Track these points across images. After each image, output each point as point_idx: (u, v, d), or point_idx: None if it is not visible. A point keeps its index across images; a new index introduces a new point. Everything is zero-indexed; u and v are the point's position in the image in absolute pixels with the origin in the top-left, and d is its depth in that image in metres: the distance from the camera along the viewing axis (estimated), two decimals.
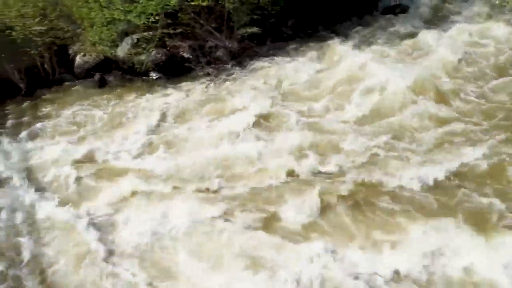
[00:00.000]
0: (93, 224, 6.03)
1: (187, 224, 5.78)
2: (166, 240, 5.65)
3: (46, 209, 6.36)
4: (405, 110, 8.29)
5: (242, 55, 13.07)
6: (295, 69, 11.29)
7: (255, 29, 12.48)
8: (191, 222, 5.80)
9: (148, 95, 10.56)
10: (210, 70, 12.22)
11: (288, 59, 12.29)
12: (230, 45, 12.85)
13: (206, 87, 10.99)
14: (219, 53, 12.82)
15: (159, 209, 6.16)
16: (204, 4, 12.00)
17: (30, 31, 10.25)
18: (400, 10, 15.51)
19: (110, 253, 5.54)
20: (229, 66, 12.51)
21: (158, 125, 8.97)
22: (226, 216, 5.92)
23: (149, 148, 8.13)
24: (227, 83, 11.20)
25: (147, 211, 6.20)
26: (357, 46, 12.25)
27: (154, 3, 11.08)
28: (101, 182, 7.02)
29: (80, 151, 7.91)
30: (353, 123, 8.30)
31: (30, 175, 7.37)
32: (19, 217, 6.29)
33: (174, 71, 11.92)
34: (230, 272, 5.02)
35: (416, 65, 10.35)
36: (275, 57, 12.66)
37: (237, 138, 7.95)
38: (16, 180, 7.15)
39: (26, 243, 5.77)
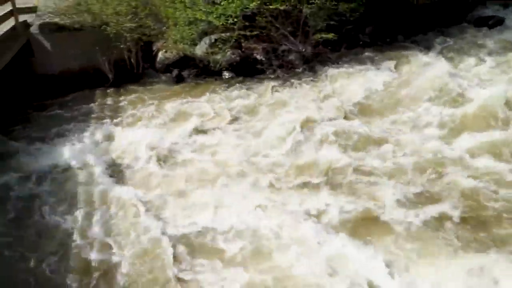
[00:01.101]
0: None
1: None
2: None
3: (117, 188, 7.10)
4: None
5: (315, 60, 12.95)
6: (369, 78, 10.87)
7: (330, 35, 12.29)
8: None
9: (220, 93, 10.94)
10: (281, 73, 12.32)
11: (362, 67, 11.91)
12: (303, 50, 12.81)
13: (276, 90, 11.08)
14: (292, 57, 12.86)
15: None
16: (282, 8, 12.16)
17: (122, 27, 11.21)
18: (494, 22, 14.12)
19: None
20: (300, 70, 12.50)
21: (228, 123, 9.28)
22: None
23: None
24: (297, 87, 11.18)
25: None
26: (440, 59, 11.43)
27: (234, 5, 11.50)
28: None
29: (151, 138, 8.53)
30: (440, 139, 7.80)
31: (110, 156, 8.12)
32: (96, 190, 7.03)
33: (247, 72, 12.20)
34: None
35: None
36: (349, 64, 12.34)
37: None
38: (98, 159, 7.93)
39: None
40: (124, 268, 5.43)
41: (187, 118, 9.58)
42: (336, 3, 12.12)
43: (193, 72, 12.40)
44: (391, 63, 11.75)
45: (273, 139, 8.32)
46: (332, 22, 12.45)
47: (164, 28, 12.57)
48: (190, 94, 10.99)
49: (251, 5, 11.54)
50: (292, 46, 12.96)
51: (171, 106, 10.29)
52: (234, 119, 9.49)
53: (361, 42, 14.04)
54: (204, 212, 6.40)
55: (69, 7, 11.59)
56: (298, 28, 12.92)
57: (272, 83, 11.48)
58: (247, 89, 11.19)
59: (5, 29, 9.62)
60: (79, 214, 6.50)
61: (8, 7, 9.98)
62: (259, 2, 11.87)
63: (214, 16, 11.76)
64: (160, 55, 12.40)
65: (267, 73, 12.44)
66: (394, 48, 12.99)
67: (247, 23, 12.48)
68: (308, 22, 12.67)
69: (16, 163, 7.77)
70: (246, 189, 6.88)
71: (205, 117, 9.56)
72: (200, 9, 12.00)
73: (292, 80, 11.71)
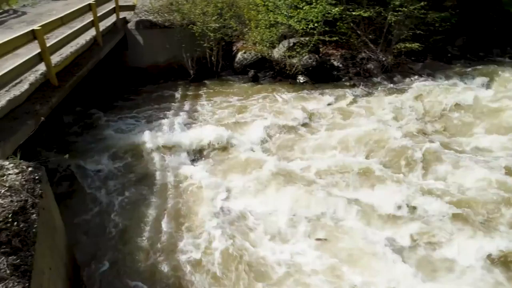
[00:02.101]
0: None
1: None
2: None
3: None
4: None
5: (395, 71, 12.43)
6: (456, 93, 10.12)
7: (415, 45, 11.67)
8: None
9: (294, 96, 11.00)
10: (357, 81, 12.03)
11: (449, 81, 11.15)
12: (384, 59, 12.36)
13: (352, 98, 10.81)
14: (370, 65, 12.48)
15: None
16: (366, 15, 11.88)
17: (207, 27, 11.84)
18: None
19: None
20: (378, 79, 12.08)
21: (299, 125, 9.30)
22: None
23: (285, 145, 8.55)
24: (373, 97, 10.82)
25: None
26: None
27: (316, 10, 11.49)
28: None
29: (221, 131, 8.85)
30: None
31: (183, 142, 8.55)
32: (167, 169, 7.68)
33: (322, 77, 12.10)
34: None
35: None
36: (434, 78, 11.63)
37: None
38: (172, 143, 8.49)
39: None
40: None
41: (260, 117, 9.81)
42: (425, 11, 11.48)
43: (268, 74, 12.65)
44: (484, 80, 10.81)
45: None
46: (418, 32, 11.83)
47: (246, 29, 13.00)
48: (263, 93, 11.22)
49: (333, 10, 11.45)
50: (372, 54, 12.58)
51: (245, 103, 10.62)
52: (305, 124, 9.45)
53: (449, 55, 13.16)
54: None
55: (163, 6, 12.56)
56: (380, 36, 12.51)
57: (348, 91, 11.24)
58: (321, 94, 11.09)
59: (107, 24, 10.74)
60: (154, 189, 7.10)
61: (112, 5, 11.10)
62: (342, 8, 11.74)
63: (295, 20, 11.88)
64: (239, 55, 12.83)
65: (343, 80, 12.23)
66: (488, 63, 11.94)
67: (327, 28, 12.40)
68: (392, 31, 12.20)
69: (104, 139, 8.71)
70: None
71: (276, 117, 9.68)
72: (282, 13, 12.21)
73: (369, 89, 11.36)
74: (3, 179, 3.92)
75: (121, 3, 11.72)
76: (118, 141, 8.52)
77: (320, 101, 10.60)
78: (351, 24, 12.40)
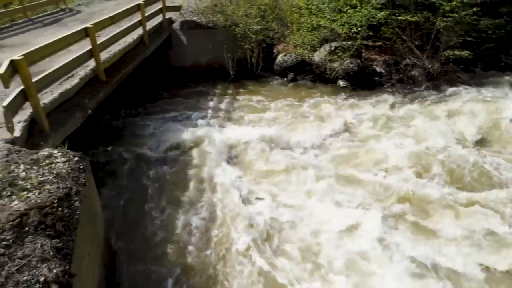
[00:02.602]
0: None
1: None
2: None
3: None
4: None
5: (442, 79, 11.89)
6: (508, 106, 9.50)
7: (465, 53, 11.10)
8: None
9: (332, 101, 10.84)
10: (400, 88, 11.64)
11: (501, 92, 10.50)
12: (430, 66, 11.86)
13: (393, 105, 10.48)
14: (415, 72, 12.02)
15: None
16: (413, 20, 11.47)
17: (249, 28, 11.97)
18: None
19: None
20: (422, 88, 11.60)
21: (337, 132, 9.14)
22: None
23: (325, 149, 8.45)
24: (416, 105, 10.39)
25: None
26: None
27: (361, 14, 11.26)
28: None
29: (260, 130, 8.99)
30: None
31: (220, 139, 8.72)
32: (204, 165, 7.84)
33: (363, 83, 11.83)
34: None
35: None
36: (484, 88, 11.00)
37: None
38: (210, 140, 8.67)
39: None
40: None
41: (298, 120, 9.77)
42: (477, 18, 10.89)
43: (308, 77, 12.54)
44: None
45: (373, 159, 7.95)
46: (468, 39, 11.24)
47: (287, 32, 12.99)
48: (302, 97, 11.15)
49: (379, 15, 11.16)
50: (417, 60, 12.12)
51: (283, 105, 10.62)
52: (345, 129, 9.27)
53: (502, 64, 12.39)
54: None
55: (207, 7, 12.85)
56: (427, 42, 12.02)
57: (389, 98, 10.90)
58: (361, 100, 10.84)
59: (154, 24, 11.14)
60: (191, 184, 7.30)
61: (160, 5, 11.51)
62: (388, 12, 11.42)
63: (338, 24, 11.71)
64: (279, 57, 12.84)
65: (385, 86, 11.88)
66: None
67: (371, 33, 12.12)
68: (440, 37, 11.69)
69: (145, 134, 9.04)
70: None
71: (314, 121, 9.58)
72: (325, 16, 12.08)
73: (412, 97, 10.94)
74: (51, 167, 4.17)
75: (168, 3, 12.11)
76: (159, 136, 8.84)
77: (360, 107, 10.36)
78: (397, 29, 12.02)
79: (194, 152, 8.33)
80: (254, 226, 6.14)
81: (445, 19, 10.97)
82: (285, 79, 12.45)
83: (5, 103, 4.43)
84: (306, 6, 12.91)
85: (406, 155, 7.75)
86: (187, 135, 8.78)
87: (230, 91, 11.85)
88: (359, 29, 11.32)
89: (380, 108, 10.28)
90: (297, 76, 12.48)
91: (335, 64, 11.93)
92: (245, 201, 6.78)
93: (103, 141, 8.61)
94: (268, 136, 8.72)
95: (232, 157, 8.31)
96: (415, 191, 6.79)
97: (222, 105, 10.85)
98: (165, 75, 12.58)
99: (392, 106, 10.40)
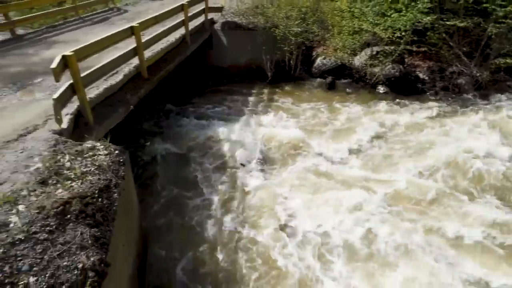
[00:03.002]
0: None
1: None
2: None
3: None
4: None
5: (491, 88, 11.24)
6: None
7: None
8: None
9: (371, 106, 10.56)
10: (444, 96, 11.13)
11: None
12: (478, 74, 11.25)
13: (436, 113, 10.03)
14: (461, 80, 11.44)
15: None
16: (462, 25, 10.93)
17: (289, 30, 11.92)
18: None
19: None
20: (469, 96, 11.03)
21: (371, 139, 8.89)
22: None
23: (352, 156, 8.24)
24: (462, 116, 9.87)
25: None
26: None
27: (405, 18, 10.88)
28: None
29: (294, 134, 8.89)
30: None
31: (253, 140, 8.80)
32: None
33: (404, 89, 11.42)
34: None
35: None
36: None
37: None
38: (242, 140, 8.80)
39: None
40: None
41: (334, 124, 9.62)
42: None
43: (346, 81, 12.32)
44: None
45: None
46: None
47: (327, 35, 12.82)
48: (340, 101, 10.95)
49: (425, 19, 10.73)
50: (464, 68, 11.53)
51: (320, 109, 10.49)
52: (380, 136, 9.01)
53: None
54: None
55: (248, 9, 12.95)
56: (476, 49, 11.41)
57: (433, 105, 10.45)
58: (402, 106, 10.48)
59: (196, 24, 11.39)
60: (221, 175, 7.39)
61: (202, 6, 11.75)
62: (435, 17, 10.95)
63: (381, 28, 11.39)
64: (318, 60, 12.69)
65: (428, 94, 11.41)
66: None
67: (415, 38, 11.69)
68: (491, 44, 11.06)
69: (182, 131, 9.28)
70: None
71: (352, 127, 9.39)
72: (368, 20, 11.80)
73: (457, 106, 10.42)
74: (94, 159, 4.36)
75: (210, 4, 12.33)
76: (195, 133, 9.07)
77: (401, 114, 10.01)
78: (444, 35, 11.50)
79: (226, 150, 8.43)
80: (284, 229, 6.11)
81: (497, 25, 10.38)
82: (323, 82, 12.28)
83: (55, 96, 4.69)
84: (349, 9, 12.68)
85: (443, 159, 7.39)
86: (221, 133, 8.95)
87: (267, 92, 11.87)
88: (403, 33, 10.94)
89: (422, 115, 9.88)
90: (335, 80, 12.27)
91: (376, 69, 11.62)
92: (274, 202, 6.76)
93: (142, 136, 8.93)
94: (302, 140, 8.66)
95: (263, 159, 8.29)
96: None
97: (258, 106, 10.89)
98: (203, 74, 12.83)
99: (436, 114, 9.95)
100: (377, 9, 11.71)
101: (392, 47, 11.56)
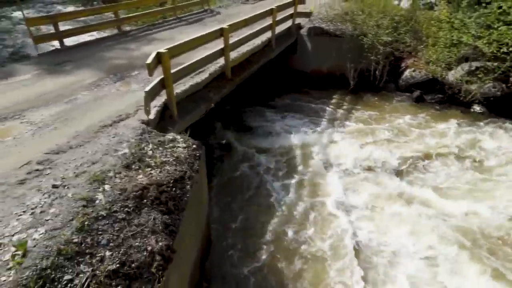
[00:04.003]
0: None
1: None
2: None
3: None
4: None
5: None
6: None
7: None
8: None
9: (464, 127, 9.63)
10: None
11: None
12: None
13: None
14: None
15: None
16: None
17: (378, 39, 11.42)
18: None
19: None
20: None
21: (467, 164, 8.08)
22: None
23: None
24: None
25: None
26: None
27: None
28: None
29: (375, 152, 8.49)
30: None
31: (328, 151, 8.61)
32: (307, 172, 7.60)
33: (506, 111, 10.18)
34: None
35: None
36: None
37: None
38: (318, 151, 8.60)
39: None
40: None
41: (421, 143, 8.99)
42: None
43: (437, 97, 11.38)
44: None
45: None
46: None
47: (420, 46, 12.00)
48: (428, 119, 10.19)
49: None
50: None
51: (404, 125, 9.88)
52: (476, 162, 8.14)
53: None
54: None
55: (337, 15, 12.70)
56: None
57: None
58: (502, 130, 9.36)
59: (283, 28, 11.52)
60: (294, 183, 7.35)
61: (291, 11, 11.84)
62: None
63: (484, 41, 10.31)
64: (407, 72, 11.94)
65: None
66: None
67: None
68: None
69: (257, 134, 9.49)
70: None
71: (441, 148, 8.67)
72: (469, 32, 10.76)
73: None
74: (173, 150, 4.66)
75: (300, 9, 12.36)
76: (269, 137, 9.20)
77: (500, 139, 8.96)
78: None
79: (301, 158, 8.38)
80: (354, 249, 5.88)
81: None
82: (410, 96, 11.53)
83: (147, 89, 5.11)
84: (448, 20, 11.72)
85: None
86: (297, 140, 9.00)
87: (347, 102, 11.53)
88: (510, 49, 9.77)
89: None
90: (423, 95, 11.43)
91: (473, 87, 10.55)
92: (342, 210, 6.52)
93: (220, 133, 9.31)
94: (381, 158, 8.25)
95: (338, 171, 8.07)
96: None
97: (338, 115, 10.64)
98: (285, 78, 12.92)
99: None
100: (482, 21, 10.62)
101: (495, 64, 10.38)
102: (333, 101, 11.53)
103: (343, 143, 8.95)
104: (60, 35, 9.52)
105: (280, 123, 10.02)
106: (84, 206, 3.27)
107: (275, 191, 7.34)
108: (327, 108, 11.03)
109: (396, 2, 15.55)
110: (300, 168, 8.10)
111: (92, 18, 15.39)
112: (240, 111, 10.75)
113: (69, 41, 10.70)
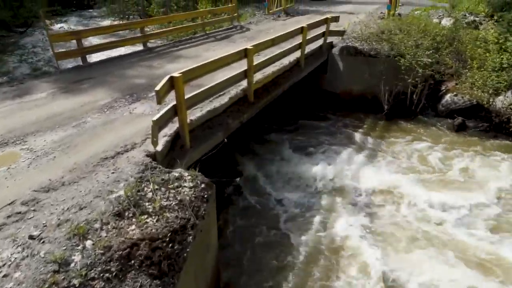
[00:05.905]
0: None
1: None
2: None
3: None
4: None
5: None
6: None
7: None
8: None
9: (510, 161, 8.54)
10: None
11: None
12: None
13: None
14: None
15: None
16: None
17: (416, 61, 10.49)
18: None
19: None
20: None
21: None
22: None
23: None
24: None
25: None
26: None
27: None
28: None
29: (412, 190, 7.58)
30: None
31: (354, 187, 7.80)
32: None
33: None
34: None
35: None
36: None
37: None
38: (341, 183, 7.83)
39: None
40: None
41: (463, 177, 8.01)
42: None
43: (481, 125, 10.28)
44: None
45: None
46: None
47: (464, 69, 10.96)
48: (470, 150, 9.15)
49: None
50: None
51: (444, 155, 8.91)
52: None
53: None
54: None
55: (372, 34, 11.90)
56: None
57: None
58: None
59: (314, 47, 10.88)
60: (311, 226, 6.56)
61: (323, 29, 11.19)
62: None
63: None
64: (447, 97, 10.92)
65: None
66: None
67: None
68: None
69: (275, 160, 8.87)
70: None
71: (485, 184, 7.66)
72: None
73: None
74: (178, 191, 4.09)
75: (333, 27, 11.69)
76: (290, 167, 8.50)
77: None
78: None
79: (323, 193, 7.61)
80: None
81: None
82: (451, 123, 10.49)
83: (155, 118, 4.60)
84: (496, 41, 10.67)
85: None
86: (321, 172, 8.18)
87: (380, 127, 10.65)
88: None
89: None
90: (466, 122, 10.36)
91: None
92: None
93: (236, 160, 8.68)
94: (416, 193, 7.35)
95: (364, 205, 7.23)
96: None
97: (369, 143, 9.79)
98: (313, 99, 12.21)
99: None
100: None
101: None
102: (365, 127, 10.70)
103: (372, 174, 8.12)
104: (82, 52, 9.35)
105: (299, 151, 9.28)
106: (55, 271, 2.72)
107: (289, 226, 6.62)
108: (356, 135, 10.21)
109: (436, 20, 14.57)
110: (316, 201, 7.31)
111: (125, 33, 15.49)
112: (263, 139, 10.07)
113: (94, 57, 10.58)
